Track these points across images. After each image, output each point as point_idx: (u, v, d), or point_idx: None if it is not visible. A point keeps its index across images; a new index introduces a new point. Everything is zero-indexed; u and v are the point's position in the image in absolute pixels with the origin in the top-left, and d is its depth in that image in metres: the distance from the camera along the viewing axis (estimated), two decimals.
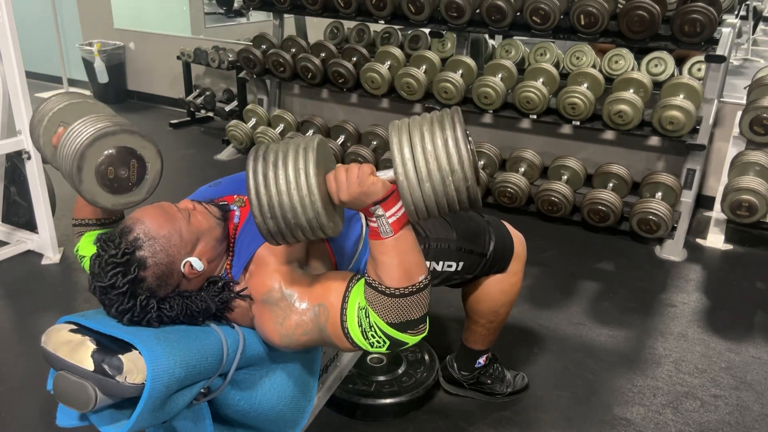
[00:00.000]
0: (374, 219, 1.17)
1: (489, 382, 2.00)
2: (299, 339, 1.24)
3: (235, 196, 1.41)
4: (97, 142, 1.29)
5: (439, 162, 1.10)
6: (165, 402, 1.10)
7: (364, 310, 1.21)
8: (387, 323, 1.19)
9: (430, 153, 1.10)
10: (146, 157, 1.37)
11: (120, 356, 1.06)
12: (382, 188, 1.15)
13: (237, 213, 1.36)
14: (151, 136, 1.39)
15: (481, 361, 1.97)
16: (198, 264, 1.23)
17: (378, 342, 1.21)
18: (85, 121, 1.34)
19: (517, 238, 1.81)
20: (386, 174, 1.17)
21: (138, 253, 1.16)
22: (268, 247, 1.29)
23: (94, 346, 1.08)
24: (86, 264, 1.48)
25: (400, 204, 1.16)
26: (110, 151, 1.31)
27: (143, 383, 1.06)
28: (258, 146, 1.17)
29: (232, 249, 1.32)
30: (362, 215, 1.21)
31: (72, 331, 1.12)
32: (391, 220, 1.16)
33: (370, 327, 1.20)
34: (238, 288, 1.27)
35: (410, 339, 1.22)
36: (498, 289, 1.80)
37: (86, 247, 1.49)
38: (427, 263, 1.64)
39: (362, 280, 1.25)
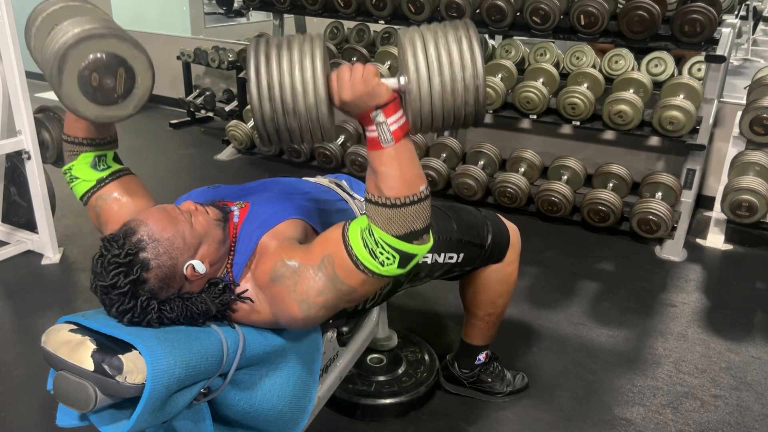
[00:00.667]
0: (374, 127, 1.15)
1: (489, 380, 2.01)
2: (316, 301, 1.22)
3: (233, 202, 1.41)
4: (83, 43, 1.16)
5: (453, 66, 1.07)
6: (165, 402, 1.10)
7: (367, 230, 1.20)
8: (393, 236, 1.18)
9: (444, 56, 1.08)
10: (136, 68, 1.22)
11: (120, 356, 1.06)
12: (386, 92, 1.13)
13: (236, 213, 1.37)
14: (144, 48, 1.25)
15: (481, 358, 1.98)
16: (200, 267, 1.23)
17: (388, 258, 1.19)
18: (75, 21, 1.21)
19: (512, 228, 1.84)
20: (390, 81, 1.14)
21: (141, 255, 1.16)
22: (270, 235, 1.30)
23: (94, 346, 1.08)
24: (77, 187, 1.44)
25: (401, 112, 1.15)
26: (96, 56, 1.17)
27: (143, 383, 1.06)
28: (260, 36, 1.13)
29: (233, 249, 1.32)
30: (361, 125, 1.18)
31: (72, 331, 1.12)
32: (392, 128, 1.14)
33: (377, 244, 1.19)
34: (239, 289, 1.28)
35: (418, 249, 1.21)
36: (496, 279, 1.82)
37: (81, 168, 1.43)
38: (429, 255, 1.67)
39: (356, 219, 1.25)
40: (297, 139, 1.14)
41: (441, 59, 1.09)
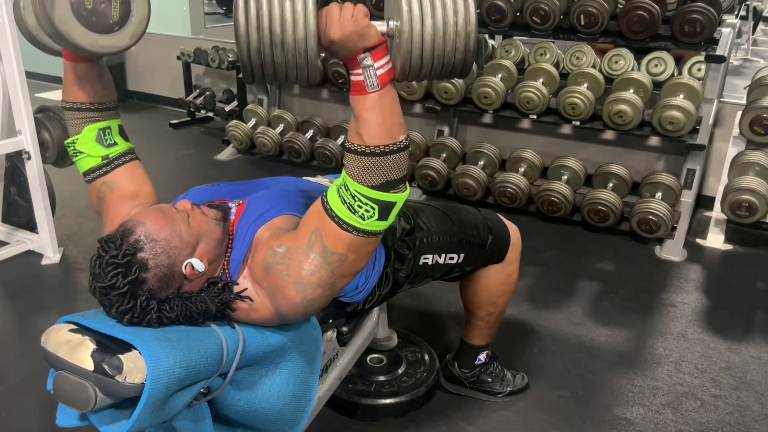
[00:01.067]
0: (360, 71, 1.12)
1: (489, 380, 2.01)
2: (310, 280, 1.22)
3: (231, 200, 1.41)
4: None
5: (446, 9, 1.06)
6: (165, 402, 1.10)
7: (342, 185, 1.19)
8: (368, 186, 1.17)
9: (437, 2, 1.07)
10: None
11: (120, 356, 1.06)
12: (375, 34, 1.10)
13: (233, 210, 1.37)
14: None
15: (482, 357, 1.98)
16: (199, 265, 1.23)
17: (367, 211, 1.18)
18: None
19: (512, 228, 1.84)
20: (379, 24, 1.12)
21: (139, 255, 1.15)
22: (265, 228, 1.30)
23: (94, 346, 1.08)
24: (81, 162, 1.42)
25: (388, 57, 1.13)
26: None
27: (143, 383, 1.06)
28: None
29: (230, 245, 1.32)
30: (346, 67, 1.16)
31: (72, 330, 1.12)
32: (379, 72, 1.12)
33: (353, 198, 1.17)
34: (238, 287, 1.28)
35: (396, 197, 1.20)
36: (496, 279, 1.82)
37: (86, 142, 1.40)
38: (430, 256, 1.67)
39: (335, 181, 1.24)
40: (282, 76, 1.10)
41: (434, 2, 1.07)
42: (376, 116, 1.14)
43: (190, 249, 1.22)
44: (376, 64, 1.12)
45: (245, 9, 1.04)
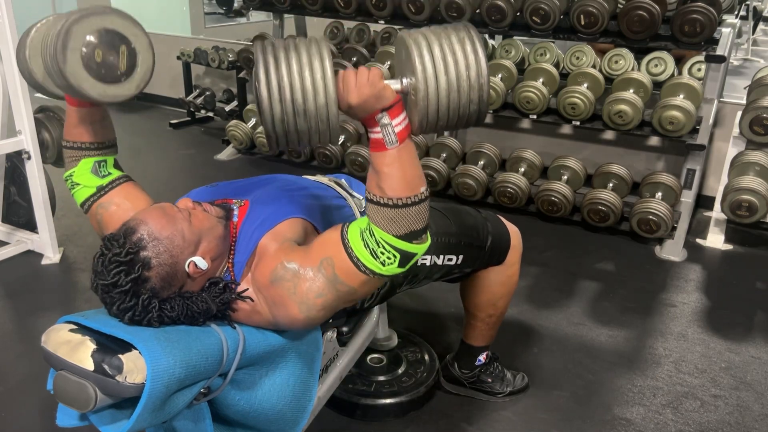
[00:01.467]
0: (378, 129, 1.16)
1: (489, 380, 2.01)
2: (316, 303, 1.23)
3: (233, 200, 1.41)
4: (86, 19, 1.20)
5: (458, 65, 1.10)
6: (165, 402, 1.10)
7: (368, 231, 1.22)
8: (394, 236, 1.20)
9: (449, 56, 1.10)
10: (137, 46, 1.27)
11: (120, 356, 1.06)
12: (391, 94, 1.14)
13: (236, 212, 1.37)
14: (144, 29, 1.29)
15: (482, 358, 1.98)
16: (202, 263, 1.23)
17: (389, 258, 1.21)
18: (73, 11, 1.25)
19: (513, 229, 1.84)
20: (393, 83, 1.16)
21: (142, 254, 1.16)
22: (270, 236, 1.30)
23: (94, 346, 1.08)
24: (77, 194, 1.45)
25: (404, 114, 1.17)
26: (99, 29, 1.21)
27: (143, 383, 1.06)
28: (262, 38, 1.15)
29: (233, 247, 1.32)
30: (364, 126, 1.20)
31: (72, 330, 1.12)
32: (397, 129, 1.16)
33: (378, 244, 1.20)
34: (240, 288, 1.28)
35: (418, 248, 1.23)
36: (496, 281, 1.82)
37: (82, 174, 1.44)
38: (428, 257, 1.66)
39: (355, 221, 1.26)
40: (305, 141, 1.14)
41: (446, 59, 1.10)
42: (396, 170, 1.18)
43: (193, 247, 1.23)
44: (394, 122, 1.15)
45: (266, 82, 1.07)
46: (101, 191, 1.44)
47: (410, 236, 1.21)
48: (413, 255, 1.23)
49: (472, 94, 1.12)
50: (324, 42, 1.12)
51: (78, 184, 1.44)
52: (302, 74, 1.07)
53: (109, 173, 1.46)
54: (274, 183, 1.53)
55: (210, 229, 1.27)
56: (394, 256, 1.21)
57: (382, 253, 1.20)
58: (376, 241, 1.20)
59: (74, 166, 1.45)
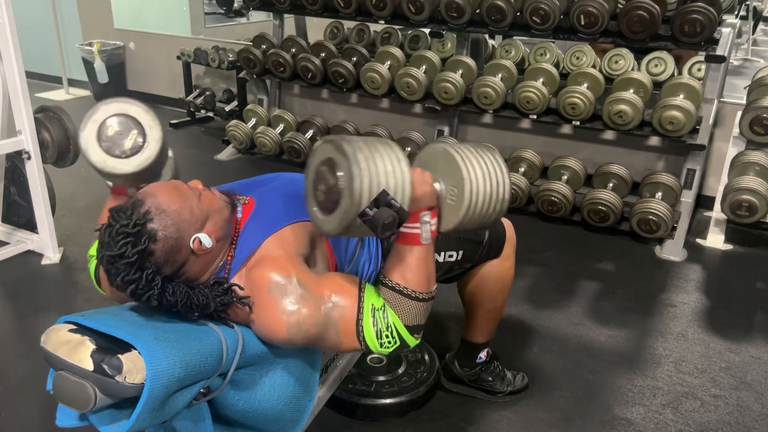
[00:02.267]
0: (418, 225, 1.25)
1: (490, 379, 2.01)
2: (308, 331, 1.23)
3: (237, 196, 1.41)
4: (114, 103, 1.44)
5: (491, 182, 1.25)
6: (164, 402, 1.10)
7: (381, 311, 1.26)
8: (404, 325, 1.26)
9: (487, 173, 1.26)
10: (148, 136, 1.43)
11: (119, 356, 1.06)
12: (434, 195, 1.26)
13: (239, 208, 1.37)
14: (162, 127, 1.46)
15: (482, 356, 1.98)
16: (207, 240, 1.23)
17: (389, 342, 1.26)
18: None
19: (507, 223, 1.87)
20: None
21: (149, 225, 1.16)
22: (276, 239, 1.30)
23: (94, 346, 1.08)
24: (90, 265, 1.50)
25: (436, 217, 1.28)
26: (120, 112, 1.43)
27: (143, 383, 1.06)
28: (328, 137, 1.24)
29: (235, 242, 1.32)
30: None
31: (71, 330, 1.12)
32: (432, 228, 1.27)
33: (387, 327, 1.25)
34: (241, 293, 1.26)
35: (415, 341, 1.30)
36: (494, 275, 1.83)
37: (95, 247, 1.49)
38: None
39: (370, 286, 1.29)
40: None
41: (486, 176, 1.25)
42: (423, 266, 1.28)
43: (199, 224, 1.23)
44: (432, 221, 1.27)
45: (358, 168, 1.14)
46: None
47: (415, 329, 1.28)
48: (408, 346, 1.29)
49: (497, 205, 1.27)
50: (395, 145, 1.23)
51: (92, 256, 1.50)
52: (384, 162, 1.17)
53: None
54: (278, 181, 1.52)
55: (218, 211, 1.28)
56: (395, 342, 1.26)
57: (386, 337, 1.25)
58: (386, 324, 1.25)
59: (93, 243, 1.48)
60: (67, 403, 1.10)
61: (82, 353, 1.07)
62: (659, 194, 3.15)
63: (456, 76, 3.45)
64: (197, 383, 1.18)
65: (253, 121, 4.30)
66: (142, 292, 1.16)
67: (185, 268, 1.23)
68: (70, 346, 1.09)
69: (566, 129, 3.71)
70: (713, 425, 1.95)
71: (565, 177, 3.37)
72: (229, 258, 1.31)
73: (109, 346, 1.10)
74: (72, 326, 1.14)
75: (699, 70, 3.57)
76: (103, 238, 1.17)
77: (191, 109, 5.09)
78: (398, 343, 1.26)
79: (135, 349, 1.09)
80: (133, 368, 1.06)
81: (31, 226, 2.96)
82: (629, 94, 3.09)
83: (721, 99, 3.32)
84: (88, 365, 1.06)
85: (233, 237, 1.32)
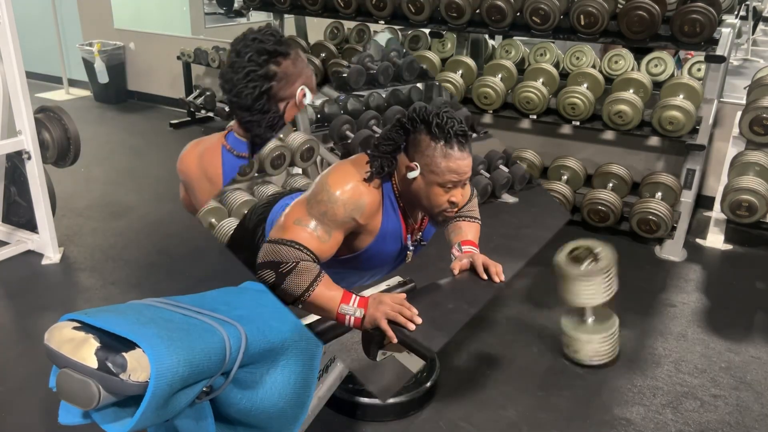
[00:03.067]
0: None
1: None
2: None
3: None
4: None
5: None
6: (168, 400, 1.10)
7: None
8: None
9: None
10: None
11: (124, 354, 1.06)
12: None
13: None
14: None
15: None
16: (309, 97, 1.47)
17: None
18: None
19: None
20: None
21: (281, 48, 1.41)
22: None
23: (98, 344, 1.08)
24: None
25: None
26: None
27: (147, 381, 1.06)
28: None
29: None
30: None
31: (75, 328, 1.12)
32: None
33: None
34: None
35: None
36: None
37: None
38: None
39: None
40: None
41: None
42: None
43: (308, 83, 1.48)
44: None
45: None
46: None
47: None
48: None
49: None
50: None
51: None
52: None
53: None
54: None
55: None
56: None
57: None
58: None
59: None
60: (70, 401, 1.10)
61: (86, 351, 1.07)
62: (659, 194, 3.16)
63: (456, 76, 3.46)
64: (200, 382, 1.18)
65: None
66: (246, 81, 1.39)
67: (279, 106, 1.45)
68: (74, 344, 1.09)
69: (566, 129, 3.72)
70: (713, 425, 1.95)
71: (565, 177, 3.38)
72: None
73: (113, 344, 1.10)
74: (76, 324, 1.14)
75: (699, 70, 3.58)
76: (240, 36, 1.42)
77: (191, 109, 5.09)
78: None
79: (139, 347, 1.09)
80: (137, 366, 1.06)
81: (31, 226, 2.96)
82: (629, 94, 3.09)
83: (721, 99, 3.33)
84: (92, 363, 1.06)
85: None
